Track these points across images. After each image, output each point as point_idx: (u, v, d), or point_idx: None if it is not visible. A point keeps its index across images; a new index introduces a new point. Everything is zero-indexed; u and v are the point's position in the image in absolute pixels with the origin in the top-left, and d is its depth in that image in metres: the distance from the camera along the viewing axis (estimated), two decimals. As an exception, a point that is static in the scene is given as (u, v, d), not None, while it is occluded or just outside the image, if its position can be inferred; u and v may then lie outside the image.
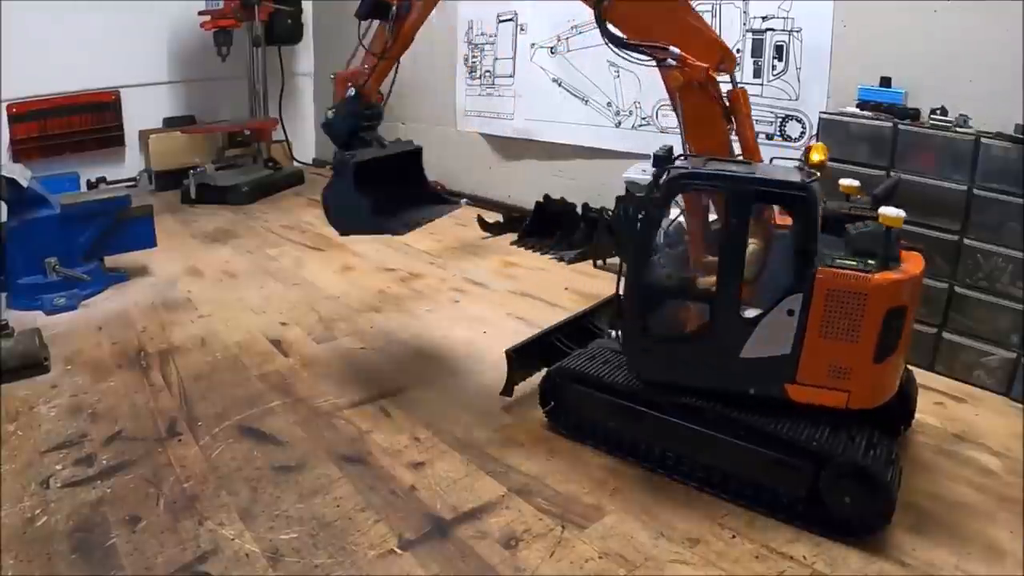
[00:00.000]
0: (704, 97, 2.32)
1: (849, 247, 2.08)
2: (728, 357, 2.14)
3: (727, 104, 2.31)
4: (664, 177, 2.14)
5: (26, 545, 1.97)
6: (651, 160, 2.22)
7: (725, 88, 2.32)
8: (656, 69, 2.37)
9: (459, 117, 6.10)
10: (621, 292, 2.34)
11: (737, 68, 4.10)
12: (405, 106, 6.58)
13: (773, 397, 2.13)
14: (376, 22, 2.79)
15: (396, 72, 2.88)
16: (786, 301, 2.05)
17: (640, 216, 2.21)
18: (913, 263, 2.09)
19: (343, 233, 2.98)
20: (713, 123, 2.36)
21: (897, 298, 2.01)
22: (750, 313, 2.11)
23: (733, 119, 2.35)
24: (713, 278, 2.17)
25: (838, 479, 1.99)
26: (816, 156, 2.19)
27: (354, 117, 2.82)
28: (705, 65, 2.25)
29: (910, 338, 2.15)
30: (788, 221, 2.18)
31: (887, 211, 1.99)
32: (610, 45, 2.36)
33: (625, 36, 2.35)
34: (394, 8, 2.73)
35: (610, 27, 2.36)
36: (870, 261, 2.02)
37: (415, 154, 3.09)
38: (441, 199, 3.25)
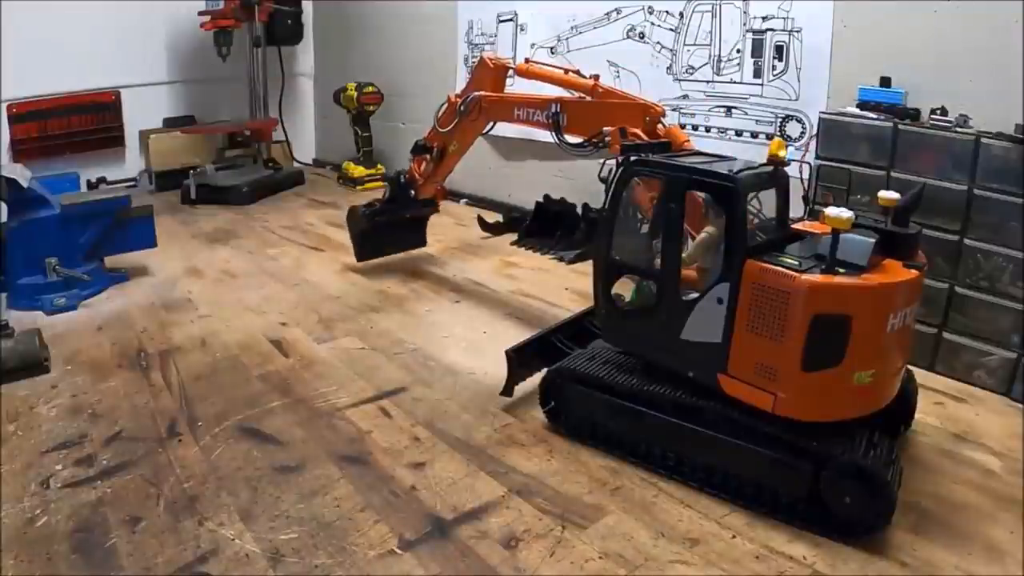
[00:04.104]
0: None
1: (817, 254, 2.05)
2: (671, 336, 2.24)
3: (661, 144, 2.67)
4: (623, 163, 2.39)
5: (26, 545, 1.97)
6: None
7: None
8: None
9: (459, 117, 6.09)
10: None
11: (737, 70, 4.15)
12: (405, 107, 6.60)
13: (708, 386, 2.19)
14: None
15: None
16: (716, 289, 2.13)
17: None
18: (885, 274, 2.00)
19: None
20: None
21: (829, 305, 1.95)
22: (691, 296, 2.22)
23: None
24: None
25: (838, 479, 1.99)
26: (772, 150, 2.24)
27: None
28: (624, 127, 2.86)
29: (878, 356, 2.02)
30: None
31: (832, 212, 1.96)
32: (566, 148, 3.17)
33: (579, 137, 3.09)
34: (435, 150, 3.83)
35: (565, 136, 3.13)
36: (840, 268, 1.96)
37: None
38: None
